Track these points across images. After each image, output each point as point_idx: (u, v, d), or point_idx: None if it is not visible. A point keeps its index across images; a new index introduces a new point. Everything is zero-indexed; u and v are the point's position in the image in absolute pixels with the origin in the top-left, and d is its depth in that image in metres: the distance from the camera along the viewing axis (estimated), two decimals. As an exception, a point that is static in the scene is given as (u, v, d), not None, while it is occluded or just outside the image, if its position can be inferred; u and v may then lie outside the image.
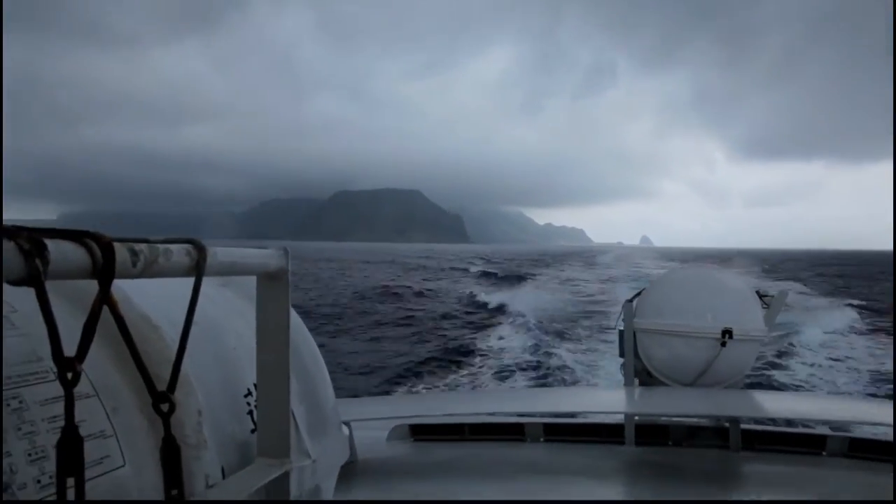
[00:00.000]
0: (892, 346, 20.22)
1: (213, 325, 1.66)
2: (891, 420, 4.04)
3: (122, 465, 1.24)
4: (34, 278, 0.92)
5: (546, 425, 4.98)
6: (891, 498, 3.37)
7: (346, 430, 2.15)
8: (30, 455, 1.11)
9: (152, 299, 1.52)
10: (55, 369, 0.98)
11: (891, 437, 4.54)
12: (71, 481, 0.99)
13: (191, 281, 1.27)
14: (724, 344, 4.94)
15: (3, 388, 1.13)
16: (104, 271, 1.00)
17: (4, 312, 1.26)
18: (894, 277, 33.04)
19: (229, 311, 1.80)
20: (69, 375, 0.97)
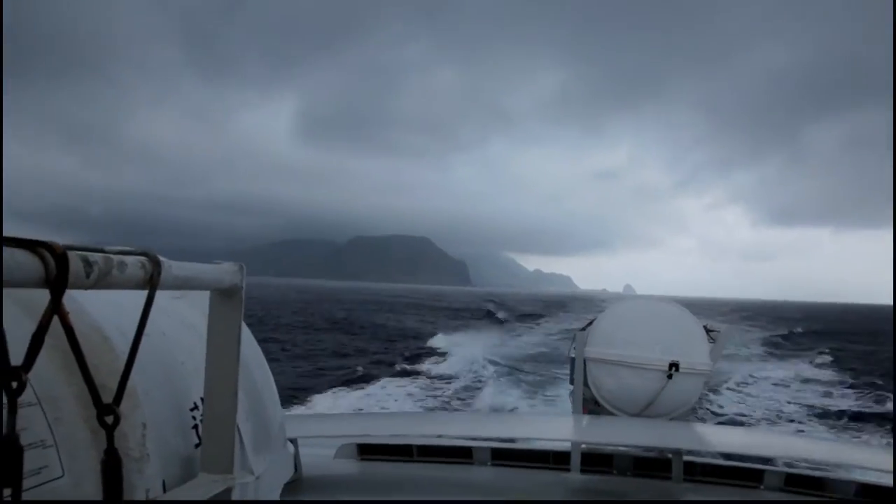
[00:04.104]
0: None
1: (164, 338, 1.66)
2: (825, 457, 4.19)
3: (61, 476, 1.23)
4: None
5: (494, 450, 5.00)
6: None
7: (291, 447, 2.15)
8: None
9: (108, 309, 1.51)
10: None
11: (822, 475, 4.72)
12: (8, 492, 0.98)
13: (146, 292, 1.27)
14: (670, 376, 5.04)
15: None
16: (56, 281, 1.00)
17: None
18: (894, 324, 34.11)
19: (181, 324, 1.79)
20: (14, 385, 0.97)
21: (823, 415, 17.81)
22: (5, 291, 0.97)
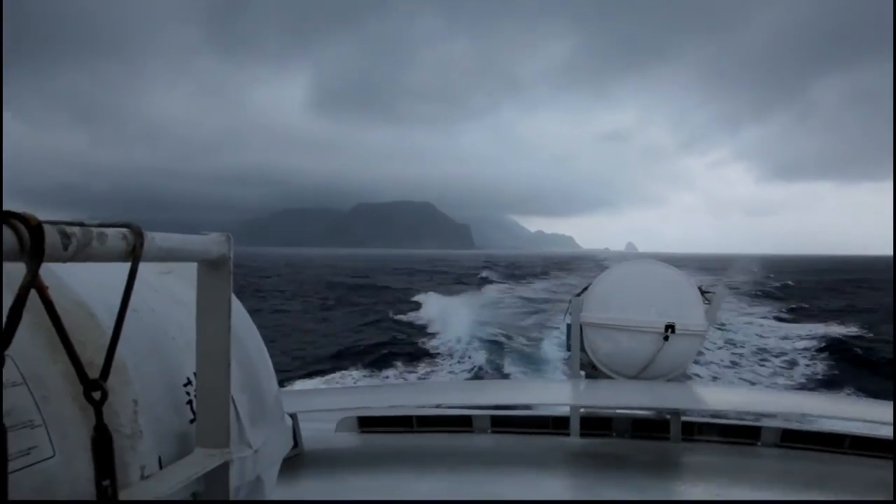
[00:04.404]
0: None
1: (153, 314, 1.62)
2: (818, 411, 4.23)
3: (52, 456, 1.20)
4: None
5: (493, 417, 5.03)
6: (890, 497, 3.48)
7: (289, 420, 2.13)
8: None
9: (94, 286, 1.47)
10: None
11: (817, 429, 4.77)
12: None
13: None
14: (666, 338, 5.06)
15: None
16: (32, 254, 0.96)
17: None
18: (894, 284, 34.51)
19: (170, 299, 1.75)
20: None
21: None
22: None
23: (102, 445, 1.17)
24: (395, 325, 27.52)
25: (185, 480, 1.38)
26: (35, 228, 0.96)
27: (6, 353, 0.94)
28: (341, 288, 51.77)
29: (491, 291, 45.08)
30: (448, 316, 26.88)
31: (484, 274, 69.60)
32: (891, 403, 4.29)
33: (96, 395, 1.16)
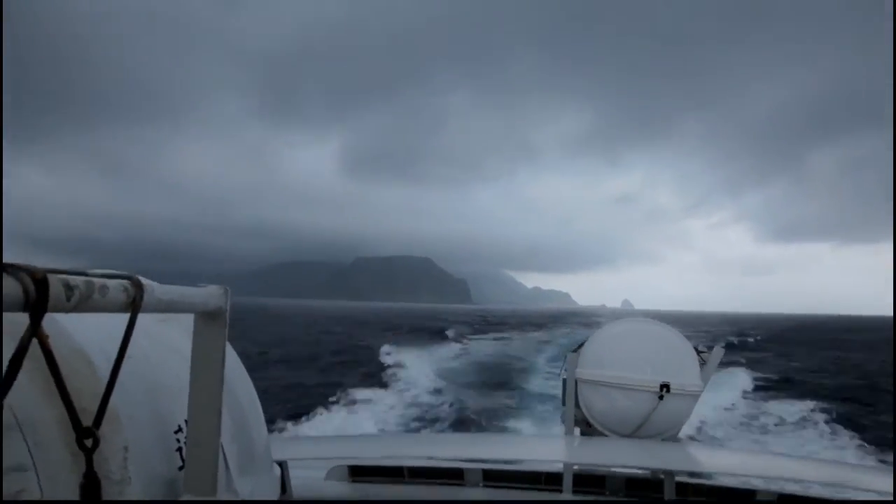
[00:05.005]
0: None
1: (148, 361, 1.66)
2: (814, 478, 4.19)
3: (39, 500, 1.22)
4: None
5: (485, 471, 4.98)
6: None
7: (277, 469, 2.14)
8: None
9: (93, 333, 1.51)
10: None
11: (815, 494, 4.70)
12: None
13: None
14: (661, 397, 5.04)
15: None
16: (36, 305, 1.01)
17: None
18: (894, 330, 34.52)
19: (166, 346, 1.80)
20: None
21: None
22: None
23: (91, 492, 1.20)
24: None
25: None
26: (40, 281, 1.02)
27: (3, 400, 0.99)
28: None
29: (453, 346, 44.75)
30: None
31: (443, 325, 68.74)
32: (890, 473, 4.24)
33: (88, 442, 1.20)
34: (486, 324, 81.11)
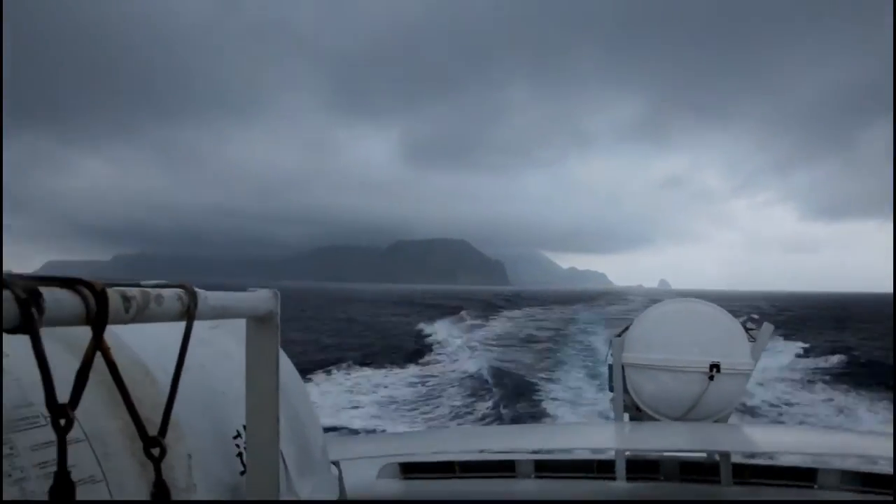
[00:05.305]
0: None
1: (203, 368, 1.68)
2: (887, 454, 4.06)
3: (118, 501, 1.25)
4: (29, 326, 0.94)
5: (537, 462, 4.95)
6: None
7: (335, 469, 2.15)
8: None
9: (145, 342, 1.53)
10: (46, 414, 0.99)
11: (885, 471, 4.56)
12: None
13: (183, 324, 1.29)
14: (711, 378, 4.94)
15: None
16: (97, 318, 1.02)
17: None
18: (894, 313, 33.75)
19: (219, 353, 1.81)
20: (62, 422, 0.99)
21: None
22: (48, 330, 0.99)
23: (161, 500, 1.21)
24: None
25: None
26: (100, 294, 1.03)
27: (74, 413, 1.00)
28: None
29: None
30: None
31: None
32: None
33: (155, 451, 1.21)
34: (515, 302, 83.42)
